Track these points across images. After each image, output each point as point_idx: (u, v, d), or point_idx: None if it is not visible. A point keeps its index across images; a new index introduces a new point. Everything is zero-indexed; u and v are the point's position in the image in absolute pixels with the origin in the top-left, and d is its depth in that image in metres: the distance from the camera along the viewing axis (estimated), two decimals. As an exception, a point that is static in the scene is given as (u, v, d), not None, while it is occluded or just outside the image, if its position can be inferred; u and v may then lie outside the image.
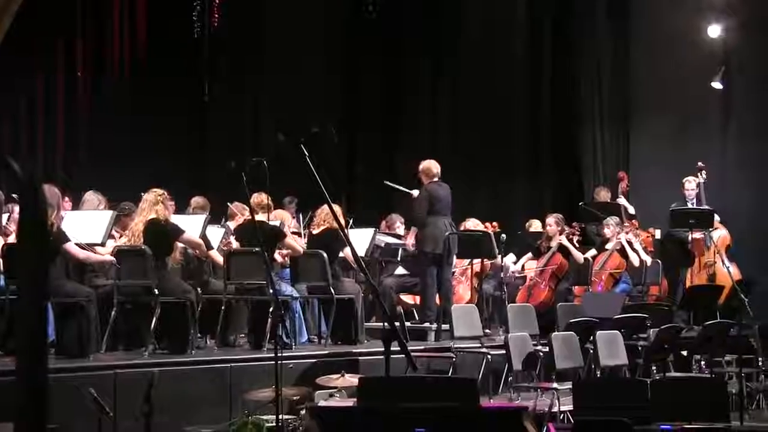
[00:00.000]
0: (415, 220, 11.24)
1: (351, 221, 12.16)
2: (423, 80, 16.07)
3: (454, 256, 11.27)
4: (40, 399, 2.11)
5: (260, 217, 9.39)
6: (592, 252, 12.62)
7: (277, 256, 9.85)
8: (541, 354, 9.59)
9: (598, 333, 9.61)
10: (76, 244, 8.44)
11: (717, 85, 13.48)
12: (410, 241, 11.63)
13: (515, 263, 12.63)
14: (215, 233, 10.09)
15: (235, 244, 9.89)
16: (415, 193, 11.39)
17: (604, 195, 13.58)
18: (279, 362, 5.77)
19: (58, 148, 13.40)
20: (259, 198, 9.46)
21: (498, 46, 15.26)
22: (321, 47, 15.70)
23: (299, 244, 10.24)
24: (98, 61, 13.77)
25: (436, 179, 11.09)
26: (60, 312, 8.29)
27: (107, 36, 13.82)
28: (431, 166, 11.16)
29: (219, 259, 9.58)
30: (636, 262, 12.30)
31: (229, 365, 8.39)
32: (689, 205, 12.62)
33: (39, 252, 2.04)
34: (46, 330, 2.25)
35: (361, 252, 10.29)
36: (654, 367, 9.83)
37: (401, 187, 12.20)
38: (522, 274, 12.60)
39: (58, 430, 6.31)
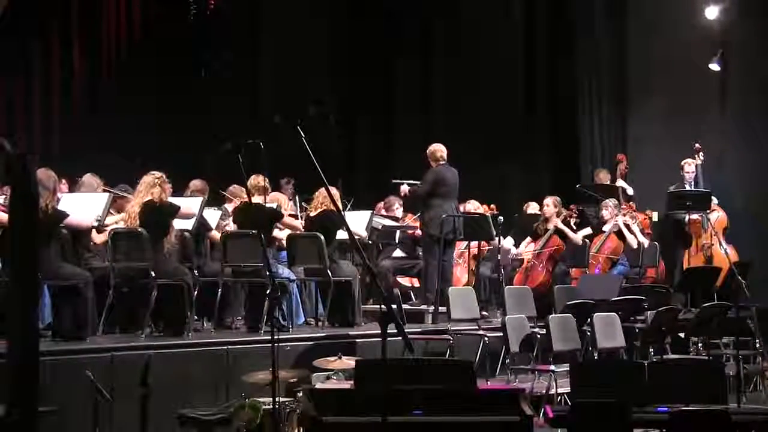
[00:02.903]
0: (416, 195, 11.23)
1: (350, 202, 12.11)
2: (418, 60, 15.98)
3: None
4: (31, 381, 2.09)
5: (257, 199, 9.38)
6: (587, 231, 12.60)
7: (277, 232, 9.86)
8: (539, 336, 9.60)
9: (596, 315, 9.60)
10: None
11: (715, 66, 13.44)
12: (409, 222, 11.56)
13: (514, 246, 12.60)
14: (212, 215, 10.07)
15: (232, 227, 9.87)
16: None
17: (603, 177, 13.57)
18: (276, 345, 5.75)
19: (53, 130, 13.34)
20: (256, 180, 9.45)
21: (494, 26, 15.17)
22: (319, 30, 15.62)
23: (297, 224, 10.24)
24: (93, 42, 13.70)
25: (443, 162, 11.07)
26: (57, 294, 8.28)
27: (102, 16, 13.74)
28: (437, 149, 11.13)
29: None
30: (633, 244, 12.28)
31: (226, 348, 8.37)
32: (687, 188, 12.61)
33: (29, 232, 2.02)
34: (37, 311, 2.23)
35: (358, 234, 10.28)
36: (651, 350, 9.83)
37: (409, 181, 12.10)
38: (519, 257, 12.59)
39: (56, 413, 6.32)
